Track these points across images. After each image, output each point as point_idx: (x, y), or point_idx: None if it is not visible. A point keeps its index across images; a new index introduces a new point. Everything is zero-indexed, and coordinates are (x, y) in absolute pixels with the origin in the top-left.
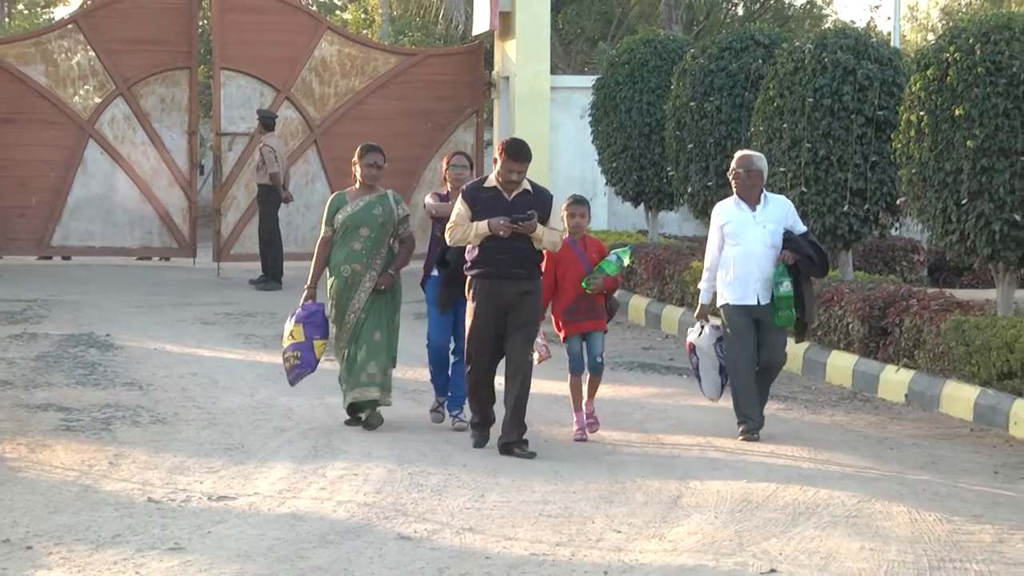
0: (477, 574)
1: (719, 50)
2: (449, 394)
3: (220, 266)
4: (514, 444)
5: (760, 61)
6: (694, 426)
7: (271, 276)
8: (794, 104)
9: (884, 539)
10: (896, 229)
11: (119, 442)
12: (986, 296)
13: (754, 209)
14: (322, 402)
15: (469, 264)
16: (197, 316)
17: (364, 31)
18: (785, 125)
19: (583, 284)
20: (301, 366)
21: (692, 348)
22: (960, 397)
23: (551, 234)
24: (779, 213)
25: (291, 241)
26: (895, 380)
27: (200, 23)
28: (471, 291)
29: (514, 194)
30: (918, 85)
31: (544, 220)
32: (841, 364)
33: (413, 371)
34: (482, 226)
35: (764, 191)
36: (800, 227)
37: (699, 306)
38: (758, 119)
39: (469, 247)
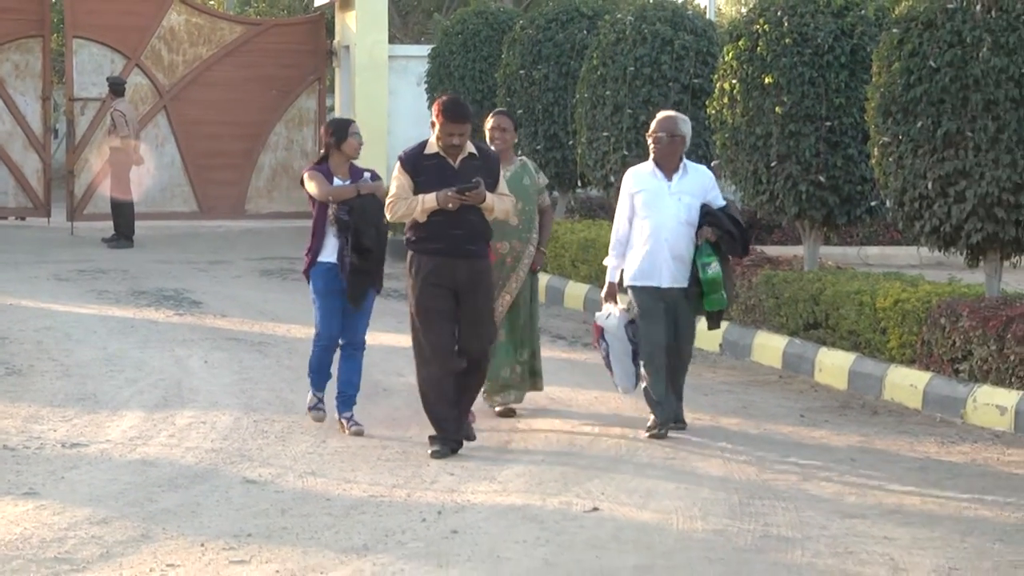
0: (318, 515)
1: (546, 21)
2: (339, 391)
3: (74, 225)
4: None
5: (585, 32)
6: None
7: (123, 235)
8: (616, 72)
9: (698, 479)
10: None
11: None
12: (794, 252)
13: (670, 179)
14: (172, 354)
15: (414, 240)
16: (52, 273)
17: (211, 2)
18: (608, 92)
19: None
20: None
21: (600, 333)
22: (770, 346)
23: (502, 201)
24: (698, 185)
25: (141, 202)
26: (710, 331)
27: None
28: (413, 269)
29: (460, 159)
30: (731, 55)
31: (492, 186)
32: None
33: (259, 324)
34: (429, 199)
35: (684, 159)
36: (719, 200)
37: (606, 284)
38: (583, 86)
39: (409, 221)
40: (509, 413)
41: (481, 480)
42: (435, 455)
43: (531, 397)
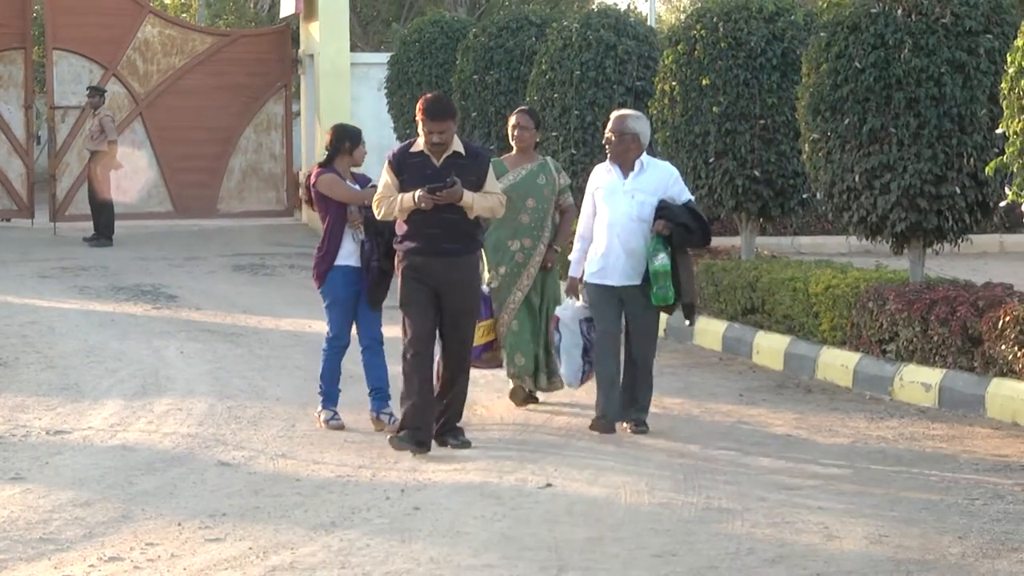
0: (289, 494)
1: (497, 29)
2: (373, 388)
3: (56, 226)
4: (448, 433)
5: (534, 39)
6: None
7: (103, 234)
8: (563, 76)
9: (645, 456)
10: None
11: None
12: (732, 243)
13: (625, 176)
14: (150, 345)
15: (399, 239)
16: (35, 271)
17: (183, 14)
18: (556, 95)
19: None
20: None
21: (556, 322)
22: (710, 331)
23: (485, 199)
24: (655, 183)
25: (118, 203)
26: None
27: (34, 8)
28: (400, 268)
29: (443, 158)
30: (670, 59)
31: (479, 184)
32: None
33: (231, 316)
34: (407, 199)
35: (643, 157)
36: (684, 196)
37: (568, 279)
38: (533, 90)
39: (398, 221)
40: (530, 398)
41: (441, 460)
42: (397, 444)
43: (486, 381)
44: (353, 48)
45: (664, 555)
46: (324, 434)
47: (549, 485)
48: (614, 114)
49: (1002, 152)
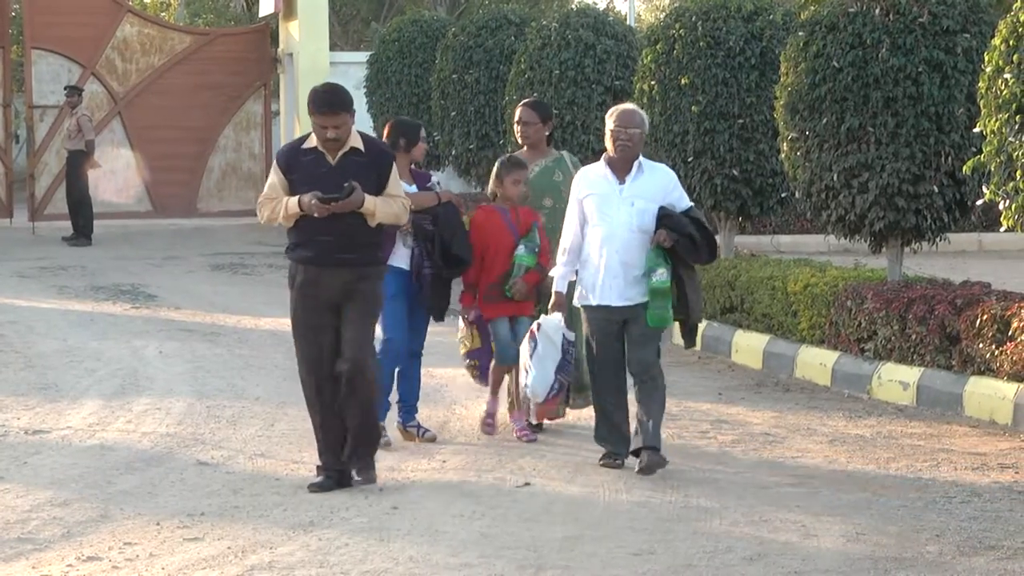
0: (268, 494)
1: (477, 28)
2: (402, 400)
3: (35, 225)
4: (353, 470)
5: (513, 38)
6: (458, 360)
7: (82, 234)
8: (543, 76)
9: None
10: None
11: None
12: None
13: (622, 181)
14: (129, 345)
15: (289, 246)
16: (14, 270)
17: (162, 13)
18: (535, 94)
19: (507, 294)
20: (480, 377)
21: (532, 334)
22: None
23: (389, 204)
24: (655, 188)
25: (97, 203)
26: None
27: (12, 7)
28: (290, 279)
29: (339, 155)
30: (649, 58)
31: (380, 185)
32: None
33: (210, 316)
34: (292, 204)
35: (641, 158)
36: (684, 202)
37: (553, 294)
38: (512, 89)
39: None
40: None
41: (420, 459)
42: (312, 488)
43: (465, 381)
44: (332, 47)
45: (642, 553)
46: (303, 434)
47: (527, 484)
48: (620, 109)
49: (980, 151)
